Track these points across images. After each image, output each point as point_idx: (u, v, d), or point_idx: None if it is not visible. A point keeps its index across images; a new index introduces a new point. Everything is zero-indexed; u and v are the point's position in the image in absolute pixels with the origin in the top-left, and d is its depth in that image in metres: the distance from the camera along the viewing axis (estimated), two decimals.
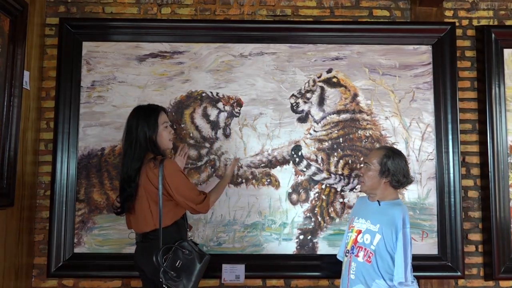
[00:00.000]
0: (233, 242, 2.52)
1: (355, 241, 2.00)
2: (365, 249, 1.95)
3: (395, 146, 2.57)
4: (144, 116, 2.00)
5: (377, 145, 2.58)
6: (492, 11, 2.76)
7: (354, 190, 2.57)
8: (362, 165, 2.20)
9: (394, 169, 1.96)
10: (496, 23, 2.75)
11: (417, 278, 2.51)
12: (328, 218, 2.56)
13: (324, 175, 2.58)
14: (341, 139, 2.60)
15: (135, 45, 2.62)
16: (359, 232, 2.00)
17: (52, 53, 2.62)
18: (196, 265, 1.91)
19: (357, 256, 1.96)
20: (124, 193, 1.97)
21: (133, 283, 2.53)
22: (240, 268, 2.45)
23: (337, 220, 2.56)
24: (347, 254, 2.03)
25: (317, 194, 2.57)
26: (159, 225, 1.92)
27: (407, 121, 2.62)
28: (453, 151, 2.56)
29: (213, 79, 2.62)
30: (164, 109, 2.12)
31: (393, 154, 1.99)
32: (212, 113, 2.60)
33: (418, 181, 2.57)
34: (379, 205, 1.99)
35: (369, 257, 1.93)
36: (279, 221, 2.55)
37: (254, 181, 2.57)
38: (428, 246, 2.54)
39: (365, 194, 2.14)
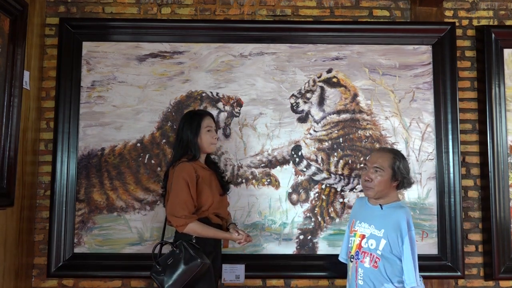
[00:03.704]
0: (233, 242, 2.51)
1: (359, 246, 1.97)
2: (371, 254, 1.93)
3: (395, 146, 2.57)
4: (189, 120, 2.12)
5: (377, 145, 2.58)
6: (492, 11, 2.76)
7: (354, 190, 2.57)
8: (366, 168, 2.02)
9: (406, 172, 1.96)
10: (496, 23, 2.75)
11: None
12: (328, 218, 2.56)
13: (324, 175, 2.58)
14: (341, 139, 2.60)
15: (135, 45, 2.62)
16: (363, 237, 1.97)
17: (52, 53, 2.62)
18: (179, 265, 1.91)
19: (362, 261, 1.94)
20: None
21: (133, 283, 2.53)
22: (240, 268, 2.45)
23: (337, 220, 2.56)
24: (352, 259, 2.01)
25: (317, 194, 2.57)
26: (164, 222, 2.14)
27: (407, 121, 2.62)
28: (453, 151, 2.56)
29: (213, 79, 2.61)
30: (210, 114, 2.21)
31: (401, 157, 1.99)
32: (212, 113, 2.58)
33: (418, 181, 2.57)
34: (382, 209, 1.97)
35: (375, 262, 1.91)
36: (279, 221, 2.55)
37: (254, 181, 2.56)
38: (428, 246, 2.53)
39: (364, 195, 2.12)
